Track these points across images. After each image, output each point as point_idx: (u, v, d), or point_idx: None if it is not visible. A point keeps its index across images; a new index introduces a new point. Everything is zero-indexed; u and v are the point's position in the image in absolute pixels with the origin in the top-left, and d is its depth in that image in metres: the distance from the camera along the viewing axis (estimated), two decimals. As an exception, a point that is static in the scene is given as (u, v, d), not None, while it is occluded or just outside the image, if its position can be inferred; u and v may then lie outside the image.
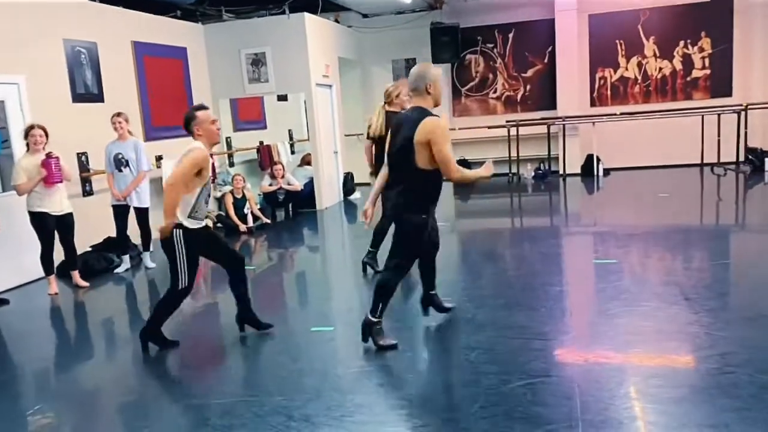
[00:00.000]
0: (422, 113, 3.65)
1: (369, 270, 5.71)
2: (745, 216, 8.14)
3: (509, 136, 11.52)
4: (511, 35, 11.94)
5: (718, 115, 10.53)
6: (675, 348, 3.60)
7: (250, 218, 8.46)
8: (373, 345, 3.79)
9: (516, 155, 11.50)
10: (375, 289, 3.78)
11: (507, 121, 11.65)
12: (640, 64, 11.52)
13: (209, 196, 4.04)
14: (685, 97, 11.39)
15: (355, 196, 10.87)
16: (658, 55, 11.42)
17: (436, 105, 3.80)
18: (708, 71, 11.26)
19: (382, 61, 12.27)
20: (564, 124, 11.34)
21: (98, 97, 7.29)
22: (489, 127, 11.75)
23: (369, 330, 3.80)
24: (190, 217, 3.90)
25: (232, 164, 9.91)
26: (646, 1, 11.22)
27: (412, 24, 11.51)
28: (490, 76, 12.21)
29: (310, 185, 9.79)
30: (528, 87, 12.07)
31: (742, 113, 10.44)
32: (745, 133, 10.52)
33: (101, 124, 6.61)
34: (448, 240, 6.62)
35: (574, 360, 3.54)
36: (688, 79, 11.37)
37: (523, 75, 12.05)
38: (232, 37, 9.61)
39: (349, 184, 10.76)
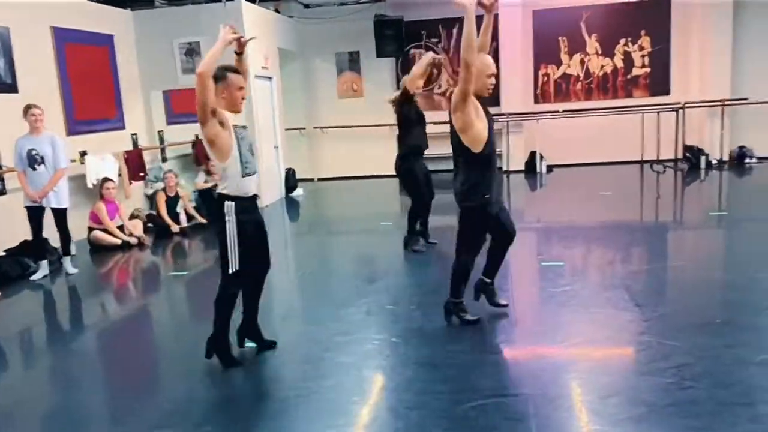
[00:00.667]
0: None
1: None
2: (683, 214, 8.25)
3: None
4: (455, 30, 11.78)
5: (657, 113, 10.69)
6: (631, 361, 3.47)
7: (183, 217, 7.99)
8: (459, 321, 4.02)
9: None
10: (452, 274, 4.02)
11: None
12: (582, 62, 11.57)
13: (252, 145, 3.60)
14: (626, 95, 11.52)
15: (298, 192, 10.51)
16: (599, 52, 11.50)
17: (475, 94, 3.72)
18: (648, 69, 11.42)
19: (325, 53, 11.91)
20: (507, 121, 11.28)
21: (11, 88, 6.66)
22: (434, 123, 11.54)
23: (454, 309, 4.05)
24: (243, 176, 3.46)
25: (165, 159, 9.36)
26: (588, -2, 11.29)
27: (356, 16, 11.19)
28: (434, 71, 12.01)
29: (249, 182, 9.35)
30: (472, 82, 11.93)
31: (680, 111, 10.64)
32: (683, 131, 10.72)
33: (15, 117, 6.02)
34: (396, 239, 6.39)
35: (527, 376, 3.35)
36: (629, 77, 11.50)
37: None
38: (164, 25, 9.05)
39: (291, 180, 10.38)
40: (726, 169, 10.41)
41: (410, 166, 5.93)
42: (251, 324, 3.78)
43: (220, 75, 3.45)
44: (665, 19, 11.22)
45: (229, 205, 3.45)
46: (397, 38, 10.59)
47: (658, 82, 11.41)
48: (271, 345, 3.82)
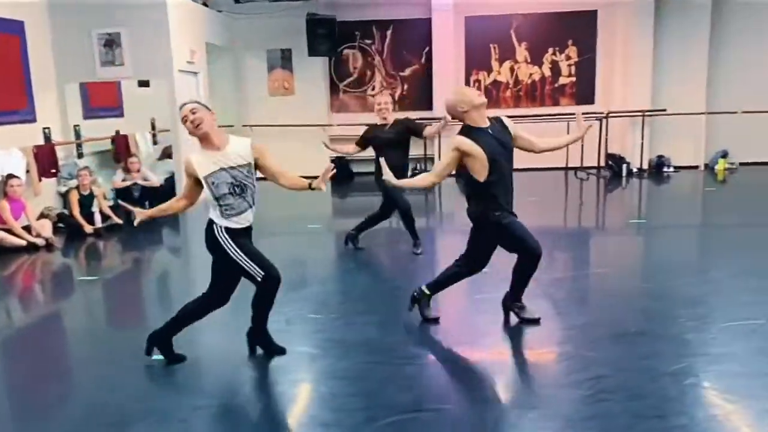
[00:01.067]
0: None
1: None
2: (605, 221, 8.49)
3: (386, 134, 11.34)
4: (389, 32, 11.74)
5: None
6: (552, 373, 3.46)
7: (98, 217, 7.55)
8: (420, 316, 4.11)
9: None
10: (446, 275, 4.10)
11: (384, 120, 11.46)
12: (512, 69, 11.77)
13: (237, 187, 3.39)
14: (553, 103, 11.79)
15: (224, 193, 10.15)
16: (528, 60, 11.73)
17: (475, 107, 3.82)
18: (574, 79, 11.74)
19: (256, 49, 11.61)
20: (440, 125, 11.32)
21: None
22: (367, 125, 11.44)
23: (417, 301, 4.15)
24: (224, 218, 3.43)
25: (80, 155, 8.84)
26: (518, 6, 11.47)
27: (288, 13, 10.95)
28: (368, 72, 11.95)
29: (171, 180, 8.97)
30: (406, 86, 11.94)
31: (603, 120, 10.98)
32: (606, 140, 11.07)
33: None
34: (325, 242, 6.25)
35: (445, 390, 3.29)
36: (556, 85, 11.78)
37: (401, 74, 11.91)
38: (81, 14, 8.51)
39: (216, 181, 10.02)
40: (645, 178, 10.81)
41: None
42: (259, 331, 3.68)
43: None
44: (592, 31, 11.56)
45: (220, 229, 3.44)
46: (329, 38, 10.44)
47: (584, 92, 11.75)
48: (281, 351, 3.68)
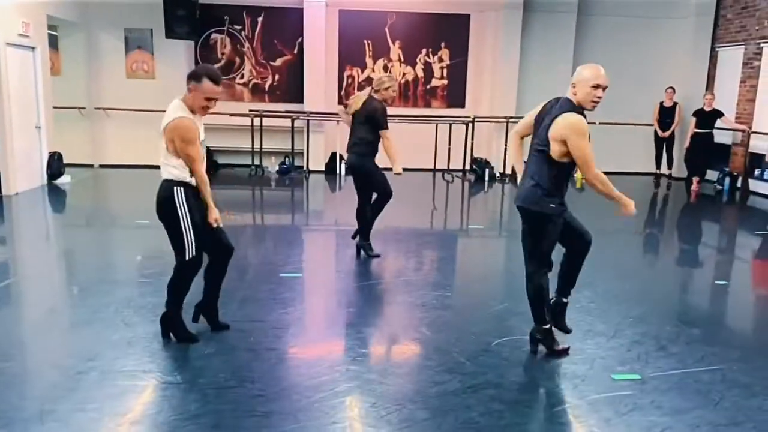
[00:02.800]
0: (563, 107, 3.38)
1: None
2: (468, 222, 8.50)
3: (252, 126, 10.91)
4: (260, 19, 11.28)
5: (450, 124, 11.06)
6: (422, 388, 3.26)
7: None
8: (549, 352, 3.62)
9: (260, 147, 10.96)
10: (530, 302, 3.60)
11: (250, 110, 11.02)
12: (386, 67, 11.64)
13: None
14: (425, 105, 11.80)
15: (64, 179, 9.33)
16: (402, 60, 11.66)
17: (578, 104, 3.39)
18: (446, 81, 11.79)
19: (113, 28, 10.76)
20: (308, 120, 11.03)
21: None
22: (231, 115, 10.98)
23: (543, 338, 3.63)
24: (191, 175, 3.52)
25: None
26: (393, 4, 11.37)
27: (147, -9, 10.25)
28: (237, 60, 11.43)
29: (-6, 165, 8.12)
30: (277, 77, 11.54)
31: (470, 124, 11.10)
32: (472, 144, 11.20)
33: None
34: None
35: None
36: (428, 87, 11.79)
37: (271, 63, 11.48)
38: None
39: (55, 166, 9.19)
40: (507, 182, 11.02)
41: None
42: (210, 305, 3.87)
43: (196, 76, 3.48)
44: (464, 35, 11.65)
45: (180, 190, 3.50)
46: (189, 20, 9.82)
47: (455, 95, 11.83)
48: (225, 327, 3.89)
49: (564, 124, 3.33)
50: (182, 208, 3.52)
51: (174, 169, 3.52)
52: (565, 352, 3.67)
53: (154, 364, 3.46)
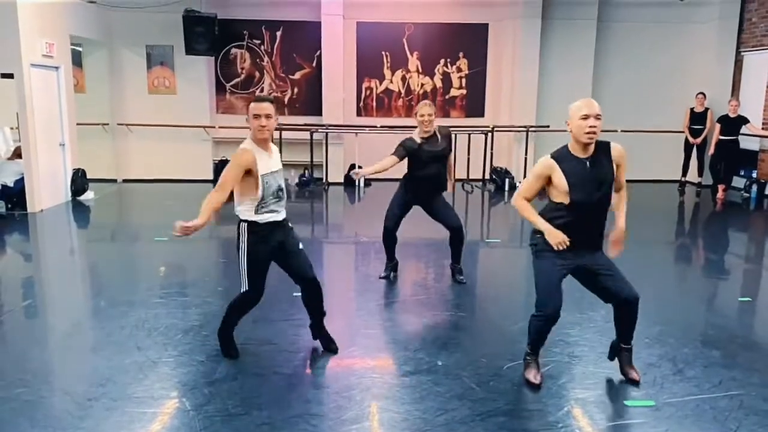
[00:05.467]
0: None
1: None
2: (487, 235, 8.44)
3: (272, 139, 10.96)
4: (279, 33, 11.38)
5: (469, 134, 11.01)
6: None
7: None
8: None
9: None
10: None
11: (269, 124, 11.09)
12: (404, 78, 11.65)
13: (281, 191, 3.69)
14: (444, 115, 11.74)
15: (87, 195, 9.50)
16: (420, 70, 11.64)
17: (575, 140, 3.36)
18: (464, 91, 11.75)
19: (135, 45, 10.96)
20: (327, 132, 11.07)
21: None
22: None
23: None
24: (256, 213, 3.62)
25: None
26: (410, 15, 11.37)
27: (168, 8, 10.39)
28: (257, 74, 11.54)
29: (21, 182, 8.30)
30: (296, 90, 11.62)
31: (489, 134, 11.03)
32: (491, 153, 11.12)
33: None
34: (200, 248, 5.83)
35: None
36: (447, 97, 11.76)
37: (290, 77, 11.57)
38: None
39: (79, 182, 9.36)
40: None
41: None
42: (316, 326, 4.06)
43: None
44: (482, 45, 11.60)
45: (244, 225, 3.64)
46: (208, 36, 9.95)
47: (474, 105, 11.78)
48: (333, 350, 4.01)
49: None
50: (242, 244, 3.64)
51: (239, 206, 3.65)
52: (533, 385, 3.51)
53: (164, 390, 3.48)
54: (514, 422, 3.19)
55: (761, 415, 3.25)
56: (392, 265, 5.73)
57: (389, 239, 5.63)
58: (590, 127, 3.23)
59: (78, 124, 9.72)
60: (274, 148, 3.79)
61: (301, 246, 3.88)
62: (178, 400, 3.36)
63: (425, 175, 5.33)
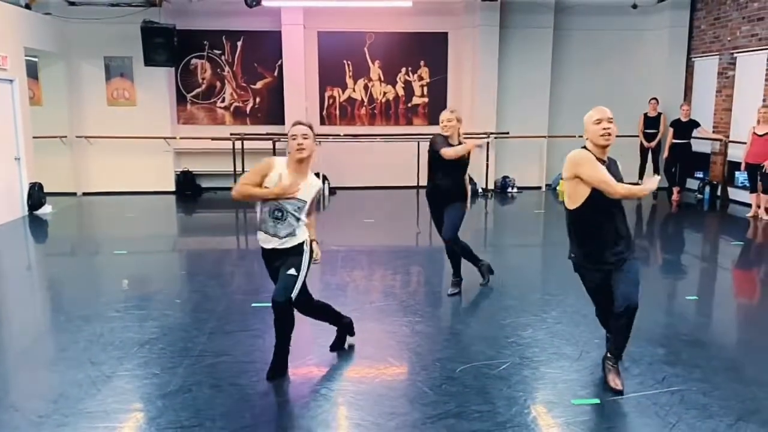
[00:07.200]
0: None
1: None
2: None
3: (234, 149, 10.96)
4: (239, 43, 11.38)
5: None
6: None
7: None
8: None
9: (242, 169, 10.99)
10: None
11: (231, 134, 11.07)
12: (366, 87, 11.75)
13: (279, 213, 3.67)
14: (407, 123, 11.88)
15: (45, 209, 9.34)
16: (382, 79, 11.75)
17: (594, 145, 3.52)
18: (426, 99, 11.89)
19: (93, 56, 10.84)
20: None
21: None
22: (213, 139, 11.05)
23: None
24: (259, 229, 3.80)
25: None
26: (371, 24, 11.47)
27: (126, 19, 10.32)
28: (218, 84, 11.51)
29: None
30: (258, 99, 11.62)
31: (451, 142, 11.15)
32: (454, 161, 11.24)
33: None
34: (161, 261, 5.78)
35: None
36: (409, 105, 11.88)
37: (252, 86, 11.56)
38: None
39: (36, 196, 9.19)
40: (491, 198, 11.10)
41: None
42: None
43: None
44: (443, 53, 11.76)
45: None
46: (167, 47, 9.91)
47: (436, 112, 11.66)
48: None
49: (566, 164, 3.53)
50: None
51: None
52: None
53: (117, 404, 3.46)
54: (464, 424, 3.26)
55: (700, 408, 3.39)
56: (457, 281, 5.53)
57: (449, 253, 5.50)
58: (604, 129, 3.46)
59: (35, 137, 9.56)
60: (312, 176, 3.78)
61: (290, 271, 3.69)
62: (131, 414, 3.35)
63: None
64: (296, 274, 3.69)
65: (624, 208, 3.61)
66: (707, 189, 10.49)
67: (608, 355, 3.70)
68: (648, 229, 9.27)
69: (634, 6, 11.12)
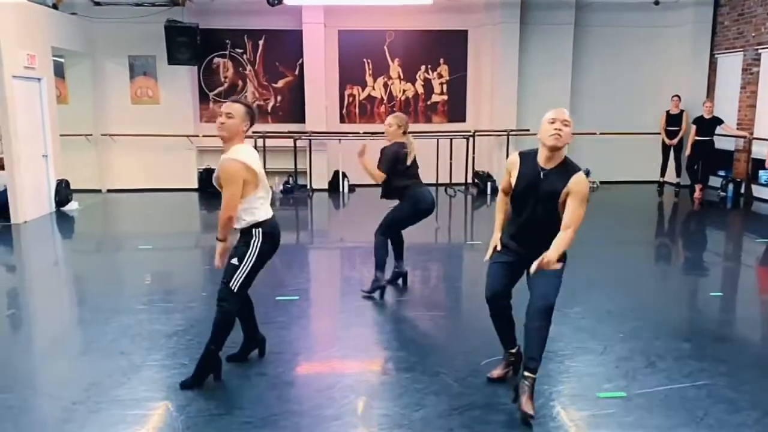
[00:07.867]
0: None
1: None
2: (471, 237, 8.55)
3: (255, 146, 11.02)
4: (261, 42, 11.48)
5: (451, 139, 11.14)
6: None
7: None
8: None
9: (264, 167, 11.07)
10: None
11: (253, 132, 11.15)
12: (386, 85, 11.78)
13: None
14: (426, 120, 11.90)
15: (71, 206, 9.50)
16: (402, 77, 11.78)
17: (542, 144, 3.34)
18: (445, 97, 11.89)
19: (117, 55, 11.00)
20: (310, 139, 11.17)
21: None
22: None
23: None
24: (263, 211, 3.81)
25: None
26: (391, 23, 11.51)
27: (150, 19, 10.45)
28: (240, 82, 11.62)
29: (4, 193, 8.31)
30: (279, 98, 11.71)
31: (470, 138, 11.17)
32: (473, 158, 11.27)
33: None
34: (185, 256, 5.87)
35: None
36: (429, 102, 11.90)
37: (273, 85, 11.66)
38: None
39: (63, 193, 9.36)
40: (511, 195, 11.07)
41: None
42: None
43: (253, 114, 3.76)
44: (462, 51, 11.76)
45: (258, 232, 3.68)
46: (190, 46, 10.02)
47: (455, 110, 11.93)
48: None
49: None
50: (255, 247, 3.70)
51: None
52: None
53: (147, 392, 3.54)
54: (490, 415, 3.28)
55: (727, 402, 3.37)
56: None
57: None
58: (555, 129, 3.23)
59: (61, 135, 9.73)
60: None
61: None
62: (161, 402, 3.42)
63: None
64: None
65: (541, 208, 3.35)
66: (730, 186, 10.36)
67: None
68: (670, 227, 9.20)
69: (656, 2, 11.01)
